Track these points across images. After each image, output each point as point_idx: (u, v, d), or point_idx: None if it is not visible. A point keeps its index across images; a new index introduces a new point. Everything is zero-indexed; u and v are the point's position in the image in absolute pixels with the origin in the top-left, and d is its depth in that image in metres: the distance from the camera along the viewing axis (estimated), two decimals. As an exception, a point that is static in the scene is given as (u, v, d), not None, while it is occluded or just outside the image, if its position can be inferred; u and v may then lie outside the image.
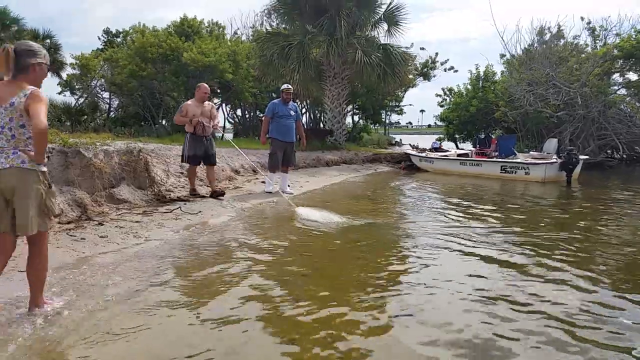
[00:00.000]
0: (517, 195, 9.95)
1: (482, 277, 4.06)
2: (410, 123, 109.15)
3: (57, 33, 26.35)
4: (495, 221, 6.68)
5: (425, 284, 3.84)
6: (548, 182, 11.49)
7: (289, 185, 9.33)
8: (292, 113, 8.86)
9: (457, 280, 3.92)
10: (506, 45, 23.49)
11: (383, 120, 31.90)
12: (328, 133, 17.07)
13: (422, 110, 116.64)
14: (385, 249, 5.18)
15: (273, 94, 19.47)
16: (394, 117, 45.19)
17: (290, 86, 9.21)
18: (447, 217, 6.89)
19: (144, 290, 3.58)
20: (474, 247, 5.06)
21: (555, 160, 11.93)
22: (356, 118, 26.68)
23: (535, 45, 19.64)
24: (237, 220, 6.37)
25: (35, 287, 3.09)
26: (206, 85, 7.76)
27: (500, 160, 12.73)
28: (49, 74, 25.02)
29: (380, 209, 7.89)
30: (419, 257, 4.66)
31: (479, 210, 7.56)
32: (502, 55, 21.33)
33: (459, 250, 4.93)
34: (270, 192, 8.71)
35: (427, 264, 4.44)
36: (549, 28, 19.78)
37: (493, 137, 16.60)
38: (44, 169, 3.00)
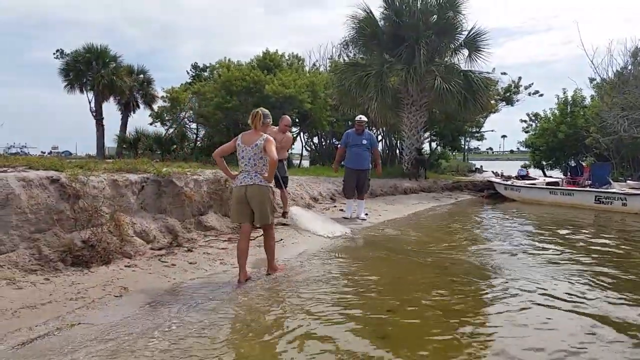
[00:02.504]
0: (615, 227, 9.21)
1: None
2: (491, 149, 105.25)
3: (149, 69, 28.30)
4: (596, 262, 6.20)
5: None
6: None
7: (366, 214, 9.35)
8: (364, 142, 8.98)
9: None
10: (596, 69, 22.17)
11: (462, 146, 31.01)
12: (424, 162, 16.89)
13: (503, 136, 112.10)
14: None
15: (349, 122, 19.65)
16: (474, 143, 43.82)
17: (363, 117, 9.33)
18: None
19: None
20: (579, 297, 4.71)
21: (656, 190, 10.99)
22: (434, 145, 26.22)
23: (630, 67, 18.36)
24: (318, 250, 6.39)
25: (270, 257, 4.95)
26: (289, 118, 8.43)
27: (594, 190, 11.89)
28: (142, 106, 27.11)
29: (469, 244, 7.59)
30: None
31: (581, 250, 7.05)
32: (592, 80, 20.13)
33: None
34: (348, 218, 8.91)
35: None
36: (645, 49, 18.42)
37: (585, 164, 15.59)
38: (271, 185, 4.81)
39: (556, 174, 20.48)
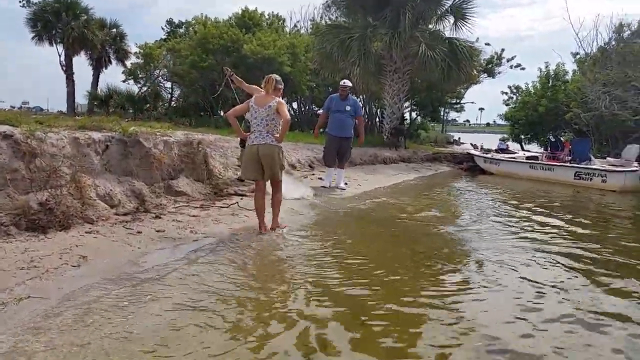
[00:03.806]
0: (593, 205, 9.17)
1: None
2: (468, 121, 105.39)
3: (123, 23, 27.05)
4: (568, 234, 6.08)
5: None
6: (627, 192, 10.54)
7: (345, 183, 9.08)
8: (348, 108, 8.59)
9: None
10: (581, 42, 22.05)
11: (441, 117, 30.83)
12: (404, 132, 16.59)
13: (481, 109, 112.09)
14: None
15: (330, 87, 19.16)
16: (452, 115, 43.71)
17: (347, 82, 8.93)
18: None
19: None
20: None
21: (636, 167, 10.95)
22: (414, 114, 25.92)
23: (613, 43, 18.22)
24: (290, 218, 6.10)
25: (275, 213, 5.25)
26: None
27: (574, 165, 11.82)
28: (114, 62, 26.07)
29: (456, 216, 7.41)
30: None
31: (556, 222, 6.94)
32: (575, 54, 19.98)
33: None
34: (326, 187, 8.62)
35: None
36: (628, 25, 18.28)
37: (563, 139, 15.56)
38: (281, 145, 5.07)
39: (534, 148, 20.52)
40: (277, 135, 4.96)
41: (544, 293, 3.73)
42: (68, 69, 25.47)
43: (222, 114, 20.85)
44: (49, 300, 3.06)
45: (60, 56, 25.23)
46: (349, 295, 3.55)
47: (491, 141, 20.03)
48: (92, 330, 2.72)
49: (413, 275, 4.10)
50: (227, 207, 6.12)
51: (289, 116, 5.02)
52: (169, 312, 3.03)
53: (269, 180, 5.20)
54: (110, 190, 5.25)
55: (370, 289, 3.67)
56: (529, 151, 17.60)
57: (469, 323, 3.11)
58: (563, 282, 4.03)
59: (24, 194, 4.42)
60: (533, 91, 21.18)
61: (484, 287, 3.85)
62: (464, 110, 33.45)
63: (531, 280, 4.00)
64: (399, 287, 3.77)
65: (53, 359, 2.42)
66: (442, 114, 29.98)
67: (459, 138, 31.56)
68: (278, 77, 5.20)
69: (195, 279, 3.65)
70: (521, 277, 4.09)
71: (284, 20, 24.94)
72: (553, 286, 3.88)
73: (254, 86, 7.98)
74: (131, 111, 21.19)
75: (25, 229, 4.20)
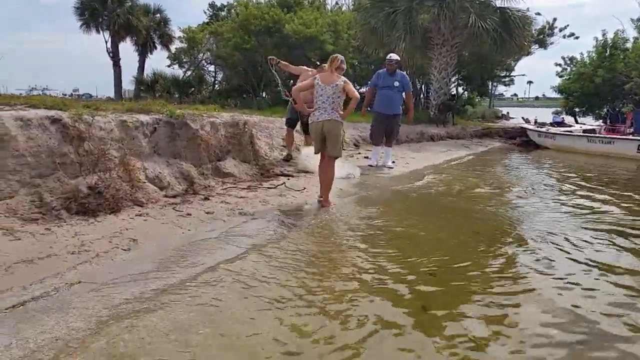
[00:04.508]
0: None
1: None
2: (516, 95, 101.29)
3: (166, 9, 27.26)
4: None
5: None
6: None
7: (393, 162, 8.78)
8: (396, 84, 8.24)
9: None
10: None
11: (489, 91, 29.67)
12: (452, 108, 16.02)
13: (529, 82, 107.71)
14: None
15: (372, 65, 18.67)
16: (500, 89, 42.03)
17: (394, 55, 8.57)
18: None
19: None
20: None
21: None
22: (460, 89, 25.00)
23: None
24: (342, 200, 5.89)
25: (326, 190, 5.33)
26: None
27: (637, 138, 11.03)
28: (159, 47, 26.44)
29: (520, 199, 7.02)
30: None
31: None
32: (638, 20, 18.60)
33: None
34: (373, 166, 8.36)
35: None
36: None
37: (625, 111, 14.57)
38: (343, 121, 5.21)
39: (589, 121, 19.40)
40: (341, 112, 5.13)
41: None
42: (115, 55, 25.99)
43: (264, 95, 20.82)
44: (100, 285, 2.99)
45: (107, 43, 25.77)
46: (412, 281, 3.33)
47: (541, 115, 19.03)
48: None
49: (476, 257, 3.83)
50: (274, 187, 5.98)
51: (357, 95, 5.16)
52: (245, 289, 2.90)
53: (326, 157, 5.30)
54: (159, 172, 5.20)
55: (435, 277, 3.44)
56: (583, 124, 16.63)
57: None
58: None
59: (73, 178, 4.41)
60: (589, 61, 19.95)
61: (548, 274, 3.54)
62: (514, 84, 31.99)
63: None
64: (462, 275, 3.51)
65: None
66: (490, 88, 28.86)
67: (508, 113, 30.42)
68: (342, 57, 5.29)
69: (248, 264, 3.52)
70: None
71: (325, -2, 24.42)
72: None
73: (300, 67, 7.80)
74: (176, 95, 21.39)
75: (76, 212, 4.18)
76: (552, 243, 4.21)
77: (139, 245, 3.73)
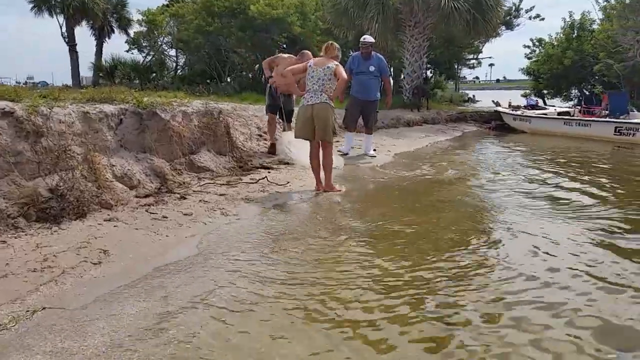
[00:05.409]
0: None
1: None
2: (478, 78, 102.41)
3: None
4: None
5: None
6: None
7: (374, 149, 8.42)
8: (372, 69, 7.81)
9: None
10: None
11: (457, 74, 29.67)
12: (427, 92, 15.69)
13: (491, 65, 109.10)
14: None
15: (344, 48, 18.22)
16: (463, 72, 42.26)
17: (368, 37, 8.16)
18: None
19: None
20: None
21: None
22: (429, 73, 24.84)
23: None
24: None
25: (328, 175, 5.26)
26: (310, 55, 6.80)
27: (614, 120, 11.02)
28: (117, 32, 25.27)
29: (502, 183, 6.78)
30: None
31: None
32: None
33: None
34: (345, 154, 7.87)
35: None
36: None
37: (596, 93, 14.66)
38: (333, 106, 5.21)
39: (557, 104, 19.54)
40: (332, 94, 5.14)
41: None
42: (70, 40, 24.66)
43: (229, 80, 20.05)
44: (69, 312, 2.52)
45: (61, 28, 24.39)
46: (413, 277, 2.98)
47: (503, 97, 18.91)
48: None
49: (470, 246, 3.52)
50: (255, 182, 5.53)
51: (346, 77, 5.22)
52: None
53: (320, 142, 5.21)
54: (128, 169, 4.68)
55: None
56: (553, 106, 16.68)
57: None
58: None
59: (31, 180, 3.85)
60: (557, 43, 20.07)
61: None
62: (480, 66, 32.16)
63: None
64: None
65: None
66: (456, 71, 28.86)
67: (474, 96, 30.50)
68: (338, 45, 5.37)
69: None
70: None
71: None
72: None
73: (289, 60, 7.01)
74: (137, 81, 20.46)
75: (36, 220, 3.65)
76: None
77: (111, 258, 3.25)
